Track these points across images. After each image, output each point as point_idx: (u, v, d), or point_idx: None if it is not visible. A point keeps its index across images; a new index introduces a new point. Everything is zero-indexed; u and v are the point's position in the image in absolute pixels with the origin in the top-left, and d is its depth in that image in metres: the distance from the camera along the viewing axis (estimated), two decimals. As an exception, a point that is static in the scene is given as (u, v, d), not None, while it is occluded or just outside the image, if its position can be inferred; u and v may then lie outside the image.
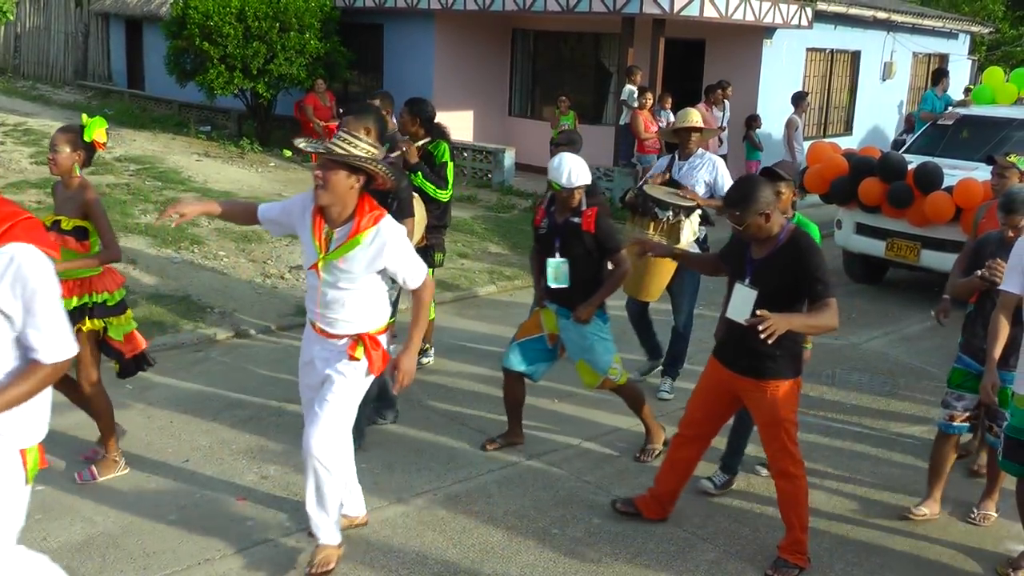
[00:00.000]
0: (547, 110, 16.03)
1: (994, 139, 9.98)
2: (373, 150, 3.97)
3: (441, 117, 17.62)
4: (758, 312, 4.05)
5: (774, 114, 14.19)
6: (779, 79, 14.91)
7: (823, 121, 16.61)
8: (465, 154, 15.09)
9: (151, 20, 20.64)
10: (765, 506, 5.24)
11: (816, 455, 5.94)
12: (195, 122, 17.75)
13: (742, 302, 4.39)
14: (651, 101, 12.76)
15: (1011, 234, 4.86)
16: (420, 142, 6.55)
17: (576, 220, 5.35)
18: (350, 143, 3.91)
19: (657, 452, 5.66)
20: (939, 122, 11.12)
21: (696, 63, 15.42)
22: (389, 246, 4.00)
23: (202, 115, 18.49)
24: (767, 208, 4.28)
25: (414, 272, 4.11)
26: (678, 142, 6.69)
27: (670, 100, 13.24)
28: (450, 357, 7.33)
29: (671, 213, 6.09)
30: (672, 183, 6.51)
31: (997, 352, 4.53)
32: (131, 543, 4.55)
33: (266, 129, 16.67)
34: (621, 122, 13.66)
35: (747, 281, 4.42)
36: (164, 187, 12.05)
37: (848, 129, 17.12)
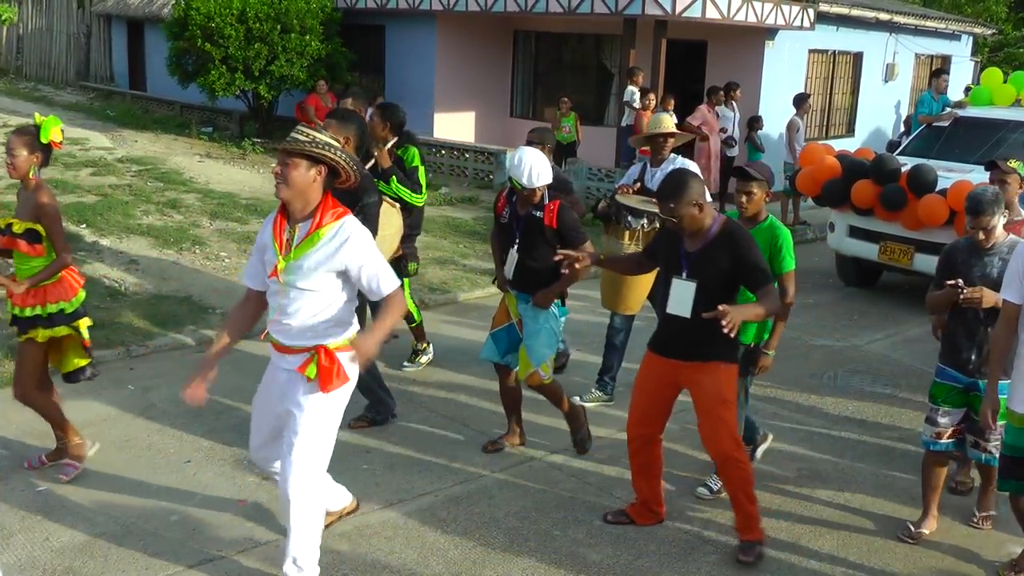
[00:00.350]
0: (548, 111, 16.03)
1: (990, 141, 9.85)
2: (330, 142, 3.84)
3: (442, 118, 17.58)
4: (720, 307, 4.07)
5: (776, 115, 14.19)
6: (781, 80, 14.91)
7: (825, 123, 16.61)
8: (466, 155, 15.10)
9: (153, 21, 20.66)
10: (767, 508, 5.23)
11: (818, 457, 5.94)
12: (197, 123, 17.77)
13: (682, 296, 4.45)
14: (654, 102, 12.75)
15: (982, 237, 4.66)
16: (389, 143, 6.49)
17: (538, 214, 5.32)
18: (304, 135, 3.79)
19: (586, 447, 5.70)
20: (935, 123, 11.01)
21: (698, 64, 15.42)
22: (351, 243, 3.82)
23: (204, 116, 18.51)
24: (699, 199, 4.36)
25: (383, 276, 3.88)
26: (650, 148, 6.48)
27: (673, 102, 13.23)
28: (451, 358, 7.33)
29: (645, 221, 5.94)
30: (645, 191, 6.32)
31: (999, 369, 4.34)
32: (133, 544, 4.55)
33: (268, 130, 16.69)
34: (623, 123, 13.66)
35: (684, 275, 4.46)
36: (166, 188, 12.06)
37: (850, 131, 17.12)
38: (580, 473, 5.54)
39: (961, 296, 4.56)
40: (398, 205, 6.25)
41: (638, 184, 6.45)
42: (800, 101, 13.41)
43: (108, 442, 5.61)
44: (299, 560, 4.06)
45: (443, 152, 15.24)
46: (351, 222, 3.87)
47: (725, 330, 4.04)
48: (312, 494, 4.00)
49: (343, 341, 3.97)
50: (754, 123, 13.59)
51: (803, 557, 4.78)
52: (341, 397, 4.02)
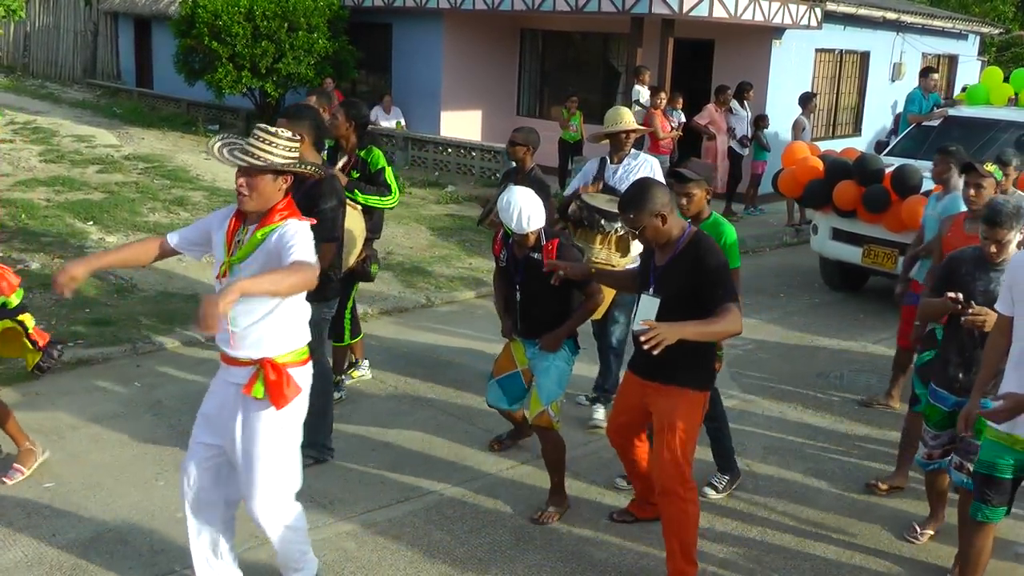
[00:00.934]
0: (555, 110, 16.03)
1: (981, 141, 9.52)
2: (293, 144, 3.65)
3: (449, 116, 17.52)
4: (641, 321, 3.86)
5: (783, 115, 14.17)
6: (788, 80, 14.88)
7: (832, 122, 16.56)
8: (473, 153, 15.11)
9: (160, 19, 20.69)
10: (773, 507, 5.24)
11: (824, 456, 5.94)
12: (204, 121, 17.79)
13: (646, 312, 4.15)
14: (664, 100, 12.73)
15: (993, 250, 4.36)
16: (340, 163, 6.19)
17: (536, 256, 4.87)
18: (268, 143, 3.59)
19: (557, 517, 5.01)
20: (925, 123, 10.70)
21: (704, 63, 15.40)
22: (284, 233, 3.56)
23: (211, 114, 18.53)
24: (662, 209, 4.07)
25: (304, 250, 3.51)
26: (611, 144, 6.17)
27: (681, 100, 13.21)
28: (459, 355, 7.33)
29: (619, 225, 5.44)
30: (608, 189, 5.94)
31: (987, 381, 4.12)
32: (139, 540, 4.56)
33: (274, 128, 16.69)
34: (630, 122, 13.62)
35: (651, 290, 4.21)
36: (173, 185, 12.08)
37: (857, 130, 17.07)
38: (587, 472, 5.53)
39: (964, 317, 4.28)
40: (359, 207, 5.99)
41: (599, 184, 6.05)
42: (805, 100, 13.37)
43: (115, 439, 5.63)
44: (294, 564, 3.99)
45: (450, 150, 15.24)
46: (293, 223, 3.62)
47: (644, 347, 3.76)
48: (287, 515, 3.86)
49: (292, 354, 3.74)
50: (760, 122, 13.58)
51: (808, 557, 4.77)
52: (295, 411, 3.78)
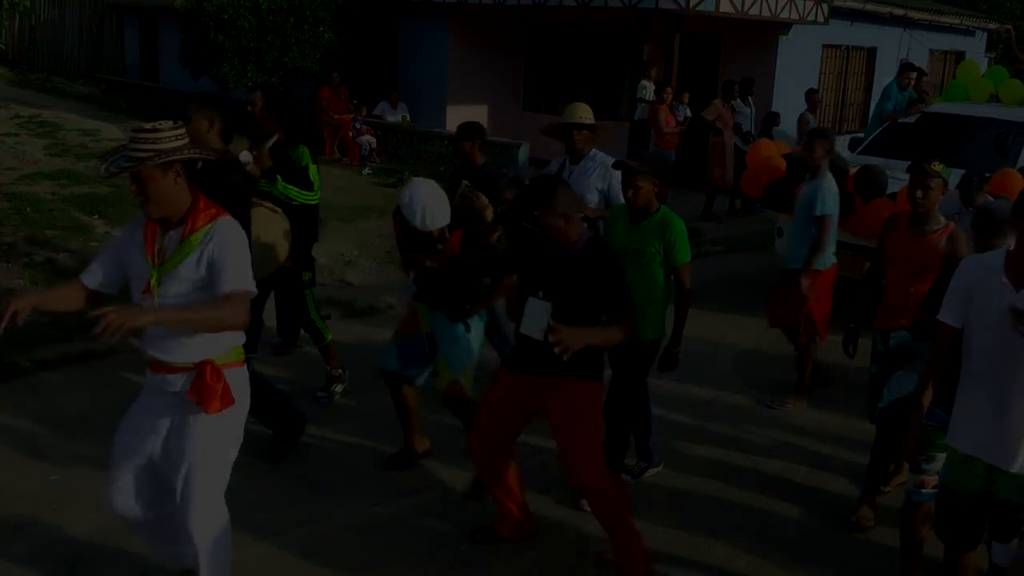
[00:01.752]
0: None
1: (958, 139, 9.17)
2: (177, 132, 3.42)
3: (455, 111, 17.46)
4: (552, 324, 3.77)
5: (790, 111, 14.13)
6: (795, 75, 14.86)
7: (838, 118, 16.56)
8: (479, 148, 15.10)
9: (165, 13, 20.69)
10: (778, 502, 5.23)
11: (829, 453, 5.94)
12: (209, 115, 17.76)
13: (536, 317, 4.02)
14: (671, 96, 12.71)
15: None
16: (271, 140, 5.83)
17: (440, 247, 4.80)
18: (148, 141, 3.36)
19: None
20: (900, 120, 10.33)
21: (711, 59, 15.37)
22: (218, 236, 3.41)
23: (216, 108, 18.53)
24: (567, 209, 4.00)
25: (237, 272, 3.39)
26: (564, 142, 5.83)
27: (687, 95, 13.20)
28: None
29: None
30: None
31: (925, 399, 3.77)
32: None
33: (280, 122, 16.69)
34: (636, 117, 13.63)
35: (541, 294, 4.08)
36: (178, 179, 12.06)
37: (863, 126, 17.03)
38: (592, 467, 5.52)
39: None
40: (280, 210, 5.72)
41: None
42: (809, 96, 13.34)
43: (120, 432, 5.62)
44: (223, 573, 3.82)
45: (455, 145, 15.24)
46: (224, 221, 3.47)
47: (556, 351, 3.71)
48: (220, 523, 3.71)
49: (230, 354, 3.61)
50: (772, 119, 13.58)
51: (813, 554, 4.76)
52: (232, 421, 3.65)
